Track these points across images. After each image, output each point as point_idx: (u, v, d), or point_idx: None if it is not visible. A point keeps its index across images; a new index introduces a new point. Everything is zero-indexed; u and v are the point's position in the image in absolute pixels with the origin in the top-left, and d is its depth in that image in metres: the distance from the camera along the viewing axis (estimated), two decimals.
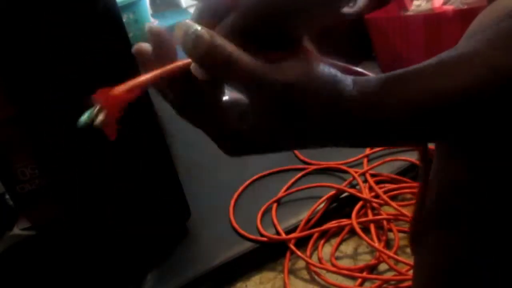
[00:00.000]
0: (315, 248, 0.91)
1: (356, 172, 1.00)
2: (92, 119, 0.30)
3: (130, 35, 0.75)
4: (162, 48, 0.34)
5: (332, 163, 1.05)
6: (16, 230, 0.79)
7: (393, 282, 0.82)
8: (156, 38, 0.34)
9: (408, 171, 1.02)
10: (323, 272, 0.86)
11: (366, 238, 0.87)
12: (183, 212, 0.93)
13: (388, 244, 0.89)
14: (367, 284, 0.83)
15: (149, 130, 0.82)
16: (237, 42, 0.29)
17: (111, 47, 0.73)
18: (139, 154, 0.82)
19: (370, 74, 0.32)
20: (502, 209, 0.35)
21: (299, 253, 0.88)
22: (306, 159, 1.08)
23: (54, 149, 0.75)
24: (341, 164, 1.04)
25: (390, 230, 0.91)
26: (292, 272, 0.88)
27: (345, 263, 0.88)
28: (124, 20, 0.74)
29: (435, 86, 0.28)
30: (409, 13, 1.31)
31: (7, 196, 0.79)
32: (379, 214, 0.93)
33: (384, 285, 0.82)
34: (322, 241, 0.91)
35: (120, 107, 0.31)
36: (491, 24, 0.30)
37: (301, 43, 0.31)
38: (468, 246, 0.38)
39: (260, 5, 0.29)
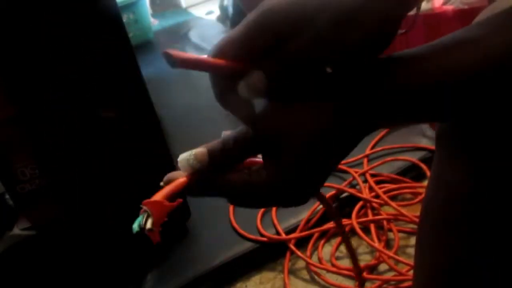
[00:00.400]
0: (315, 248, 0.91)
1: (356, 172, 1.00)
2: (142, 226, 0.35)
3: (130, 35, 0.75)
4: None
5: None
6: (16, 230, 0.79)
7: (393, 282, 0.82)
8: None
9: (408, 171, 1.02)
10: (323, 272, 0.86)
11: (366, 238, 0.87)
12: (183, 212, 0.93)
13: (388, 244, 0.89)
14: (367, 284, 0.83)
15: (149, 130, 0.82)
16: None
17: (111, 47, 0.73)
18: (139, 154, 0.82)
19: None
20: (502, 209, 0.35)
21: (299, 253, 0.88)
22: None
23: (54, 149, 0.75)
24: (341, 164, 1.04)
25: (390, 230, 0.91)
26: (292, 272, 0.88)
27: (345, 263, 0.88)
28: (124, 20, 0.74)
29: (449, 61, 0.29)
30: (409, 13, 1.31)
31: (7, 196, 0.79)
32: (379, 214, 0.93)
33: (384, 285, 0.82)
34: (322, 241, 0.91)
35: (166, 213, 0.37)
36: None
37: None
38: (468, 246, 0.38)
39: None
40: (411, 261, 0.82)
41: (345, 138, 0.32)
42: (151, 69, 1.58)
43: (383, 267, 0.85)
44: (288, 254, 0.89)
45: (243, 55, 0.31)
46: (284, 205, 0.37)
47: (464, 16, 1.16)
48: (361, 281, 0.57)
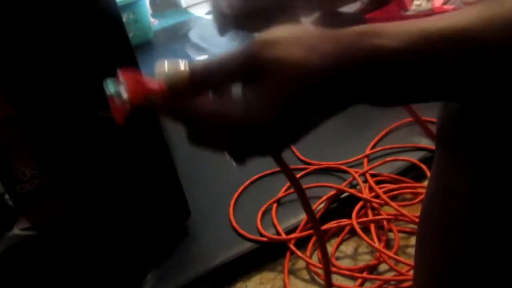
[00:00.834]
0: (315, 248, 0.91)
1: (356, 172, 1.00)
2: (117, 92, 0.31)
3: (130, 35, 0.75)
4: None
5: (332, 163, 1.05)
6: (16, 230, 0.79)
7: (393, 283, 0.82)
8: None
9: (408, 171, 1.02)
10: (323, 272, 0.86)
11: (366, 238, 0.87)
12: (183, 212, 0.93)
13: (388, 244, 0.88)
14: (367, 285, 0.83)
15: (149, 130, 0.82)
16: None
17: (111, 47, 0.73)
18: (139, 154, 0.82)
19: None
20: (502, 209, 0.35)
21: (299, 253, 0.88)
22: (306, 159, 1.08)
23: (54, 149, 0.75)
24: (341, 164, 1.04)
25: (390, 230, 0.91)
26: (292, 272, 0.88)
27: (345, 263, 0.88)
28: (124, 20, 0.74)
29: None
30: (409, 13, 1.31)
31: (7, 196, 0.79)
32: (379, 214, 0.93)
33: (384, 286, 0.82)
34: None
35: (141, 94, 0.32)
36: None
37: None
38: (468, 246, 0.38)
39: None
40: (411, 261, 0.82)
41: (335, 90, 0.31)
42: (151, 69, 1.58)
43: (383, 267, 0.85)
44: (288, 254, 0.89)
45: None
46: (250, 148, 0.34)
47: None
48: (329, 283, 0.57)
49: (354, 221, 0.90)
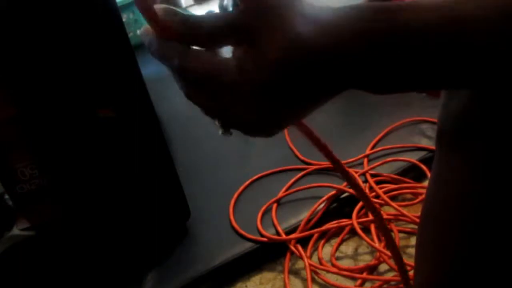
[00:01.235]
0: (315, 248, 0.91)
1: (356, 172, 1.00)
2: None
3: (130, 35, 0.75)
4: None
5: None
6: (16, 231, 0.79)
7: (393, 283, 0.82)
8: None
9: (409, 172, 1.02)
10: (323, 272, 0.86)
11: (367, 239, 0.87)
12: (183, 212, 0.93)
13: (388, 244, 0.88)
14: (367, 285, 0.83)
15: (149, 130, 0.82)
16: None
17: (111, 47, 0.72)
18: (139, 154, 0.82)
19: None
20: (502, 209, 0.35)
21: (299, 253, 0.87)
22: (306, 159, 1.08)
23: (54, 149, 0.75)
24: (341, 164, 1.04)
25: (391, 230, 0.91)
26: (292, 272, 0.87)
27: (346, 263, 0.88)
28: (124, 20, 0.74)
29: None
30: None
31: (7, 196, 0.79)
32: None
33: (385, 286, 0.82)
34: (322, 242, 0.91)
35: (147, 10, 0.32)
36: None
37: None
38: (468, 246, 0.38)
39: None
40: (411, 261, 0.82)
41: (342, 67, 0.28)
42: (151, 69, 1.58)
43: (383, 267, 0.85)
44: (288, 255, 0.89)
45: None
46: (237, 113, 0.31)
47: None
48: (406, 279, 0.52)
49: (354, 221, 0.90)
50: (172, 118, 1.21)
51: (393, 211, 0.92)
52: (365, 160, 1.05)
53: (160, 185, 0.87)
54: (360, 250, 0.90)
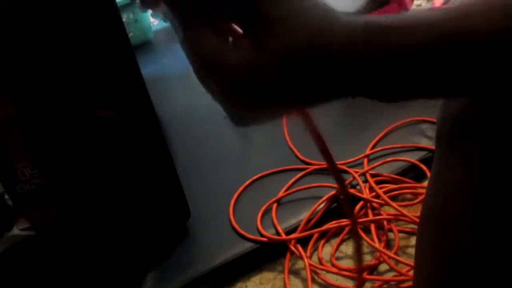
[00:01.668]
0: (315, 248, 0.91)
1: (356, 172, 1.00)
2: None
3: (130, 35, 0.75)
4: None
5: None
6: (16, 231, 0.79)
7: (393, 283, 0.81)
8: None
9: (409, 171, 1.02)
10: (323, 272, 0.86)
11: (367, 239, 0.87)
12: (183, 212, 0.93)
13: (388, 245, 0.88)
14: (367, 285, 0.83)
15: (149, 130, 0.82)
16: None
17: (111, 47, 0.72)
18: (139, 154, 0.82)
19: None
20: (502, 209, 0.35)
21: (299, 253, 0.88)
22: (306, 159, 1.08)
23: (54, 149, 0.75)
24: (341, 164, 1.04)
25: (391, 230, 0.91)
26: (292, 272, 0.87)
27: (346, 263, 0.88)
28: (124, 20, 0.74)
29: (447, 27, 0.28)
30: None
31: (7, 196, 0.79)
32: (379, 214, 0.93)
33: (385, 286, 0.82)
34: (322, 242, 0.91)
35: None
36: None
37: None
38: (468, 246, 0.38)
39: None
40: (411, 261, 0.82)
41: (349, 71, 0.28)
42: (151, 69, 1.58)
43: (383, 267, 0.85)
44: (288, 255, 0.89)
45: None
46: (245, 96, 0.30)
47: None
48: (361, 282, 0.54)
49: None
50: (172, 118, 1.22)
51: (393, 211, 0.92)
52: (365, 160, 1.05)
53: (160, 185, 0.87)
54: None
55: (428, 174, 0.97)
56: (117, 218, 0.85)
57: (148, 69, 1.53)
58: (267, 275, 0.88)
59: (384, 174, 1.00)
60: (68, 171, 0.77)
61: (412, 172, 1.01)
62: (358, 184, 0.98)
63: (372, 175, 1.00)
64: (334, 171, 0.38)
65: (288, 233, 0.91)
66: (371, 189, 0.97)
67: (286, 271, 0.87)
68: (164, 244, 0.92)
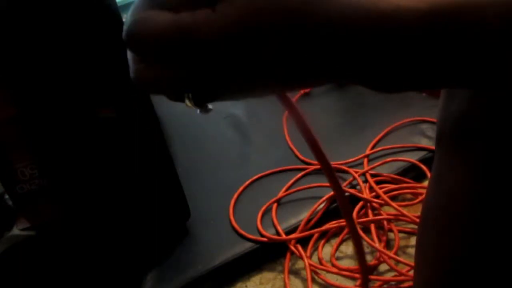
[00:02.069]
0: (315, 248, 0.91)
1: (356, 172, 1.00)
2: None
3: None
4: None
5: (332, 163, 1.04)
6: (16, 231, 0.79)
7: (393, 283, 0.82)
8: None
9: (409, 171, 1.02)
10: (323, 272, 0.86)
11: (367, 239, 0.87)
12: (183, 212, 0.93)
13: (388, 245, 0.88)
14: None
15: (149, 130, 0.82)
16: None
17: (111, 47, 0.72)
18: (139, 154, 0.82)
19: None
20: (502, 209, 0.35)
21: (299, 253, 0.87)
22: (306, 159, 1.08)
23: (54, 149, 0.75)
24: (341, 164, 1.04)
25: (391, 230, 0.91)
26: (292, 272, 0.87)
27: (346, 263, 0.88)
28: (124, 19, 0.74)
29: None
30: None
31: (7, 196, 0.79)
32: (379, 214, 0.93)
33: (385, 286, 0.82)
34: (322, 242, 0.91)
35: None
36: None
37: None
38: (468, 246, 0.38)
39: None
40: (411, 261, 0.82)
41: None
42: None
43: (383, 267, 0.85)
44: (288, 255, 0.89)
45: None
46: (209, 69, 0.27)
47: None
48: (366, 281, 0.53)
49: (354, 221, 0.90)
50: (172, 118, 1.21)
51: (393, 211, 0.92)
52: (365, 160, 1.05)
53: (160, 185, 0.87)
54: None
55: (428, 174, 0.97)
56: (117, 218, 0.85)
57: None
58: (267, 275, 0.88)
59: (384, 174, 1.00)
60: (68, 171, 0.77)
61: (412, 172, 1.01)
62: (358, 184, 0.98)
63: (372, 175, 1.00)
64: (328, 172, 0.38)
65: (288, 233, 0.91)
66: (371, 189, 0.97)
67: (286, 271, 0.87)
68: (164, 244, 0.92)
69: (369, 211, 0.93)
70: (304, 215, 0.93)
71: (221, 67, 0.26)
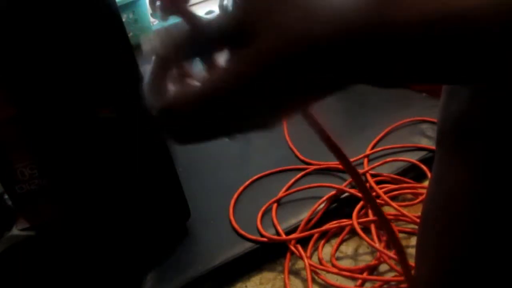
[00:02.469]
0: (315, 248, 0.91)
1: None
2: None
3: (130, 35, 0.75)
4: None
5: (332, 163, 1.05)
6: (15, 231, 0.79)
7: (393, 283, 0.81)
8: None
9: (409, 171, 1.02)
10: (323, 272, 0.86)
11: (367, 239, 0.87)
12: (183, 212, 0.93)
13: (388, 245, 0.88)
14: (367, 285, 0.83)
15: (149, 130, 0.82)
16: None
17: (111, 47, 0.72)
18: (139, 154, 0.82)
19: None
20: (502, 209, 0.35)
21: (299, 253, 0.87)
22: (306, 159, 1.08)
23: (54, 149, 0.75)
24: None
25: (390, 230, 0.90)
26: (292, 272, 0.87)
27: (346, 263, 0.88)
28: (123, 19, 0.74)
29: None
30: None
31: (6, 196, 0.79)
32: None
33: (385, 286, 0.82)
34: (322, 242, 0.91)
35: None
36: None
37: None
38: (468, 246, 0.38)
39: None
40: (411, 261, 0.81)
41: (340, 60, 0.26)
42: None
43: (383, 267, 0.85)
44: (288, 255, 0.89)
45: None
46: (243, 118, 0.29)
47: None
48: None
49: (354, 221, 0.90)
50: None
51: (393, 211, 0.92)
52: (365, 160, 1.05)
53: (160, 185, 0.87)
54: (360, 250, 0.90)
55: (428, 174, 0.97)
56: (117, 218, 0.85)
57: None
58: (267, 275, 0.88)
59: (384, 174, 1.00)
60: (68, 171, 0.77)
61: (412, 172, 1.01)
62: None
63: (372, 175, 1.00)
64: (348, 167, 0.39)
65: (288, 233, 0.91)
66: (371, 189, 0.97)
67: (286, 271, 0.87)
68: (164, 244, 0.92)
69: (369, 211, 0.93)
70: (304, 215, 0.93)
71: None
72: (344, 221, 0.92)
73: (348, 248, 0.91)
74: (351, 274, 0.84)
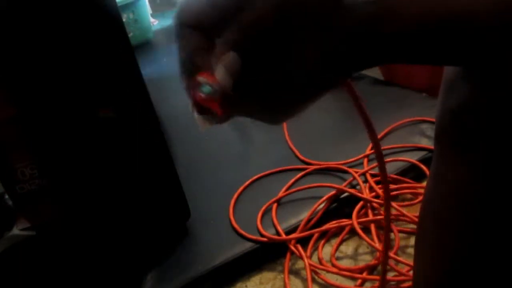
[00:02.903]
0: (315, 248, 0.91)
1: (356, 172, 1.00)
2: (213, 90, 0.33)
3: (130, 35, 0.75)
4: None
5: (332, 163, 1.05)
6: (16, 231, 0.79)
7: (393, 283, 0.81)
8: None
9: (409, 172, 1.02)
10: (323, 272, 0.86)
11: (367, 238, 0.87)
12: (183, 212, 0.93)
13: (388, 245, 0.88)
14: (367, 285, 0.83)
15: (149, 130, 0.82)
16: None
17: (111, 47, 0.72)
18: (139, 154, 0.82)
19: None
20: (501, 208, 0.35)
21: (299, 253, 0.87)
22: (306, 159, 1.08)
23: (54, 149, 0.75)
24: (341, 164, 1.04)
25: (391, 230, 0.91)
26: (292, 272, 0.87)
27: (346, 263, 0.88)
28: (124, 19, 0.74)
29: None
30: None
31: (7, 196, 0.79)
32: (379, 214, 0.93)
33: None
34: (322, 242, 0.91)
35: None
36: None
37: None
38: (468, 245, 0.38)
39: None
40: (411, 261, 0.82)
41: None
42: (151, 69, 1.58)
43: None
44: (288, 255, 0.89)
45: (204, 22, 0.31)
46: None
47: None
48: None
49: (354, 221, 0.90)
50: (172, 118, 1.21)
51: (393, 211, 0.92)
52: (365, 160, 1.05)
53: (160, 185, 0.87)
54: (360, 250, 0.90)
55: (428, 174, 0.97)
56: (117, 218, 0.85)
57: (148, 69, 1.53)
58: (267, 275, 0.88)
59: None
60: (68, 171, 0.77)
61: (412, 172, 1.01)
62: (358, 184, 0.98)
63: (372, 175, 1.00)
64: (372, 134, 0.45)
65: (288, 233, 0.91)
66: (371, 189, 0.97)
67: (286, 271, 0.87)
68: (164, 244, 0.92)
69: (369, 211, 0.93)
70: (304, 215, 0.93)
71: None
72: (344, 221, 0.93)
73: (348, 248, 0.91)
74: (351, 274, 0.84)
